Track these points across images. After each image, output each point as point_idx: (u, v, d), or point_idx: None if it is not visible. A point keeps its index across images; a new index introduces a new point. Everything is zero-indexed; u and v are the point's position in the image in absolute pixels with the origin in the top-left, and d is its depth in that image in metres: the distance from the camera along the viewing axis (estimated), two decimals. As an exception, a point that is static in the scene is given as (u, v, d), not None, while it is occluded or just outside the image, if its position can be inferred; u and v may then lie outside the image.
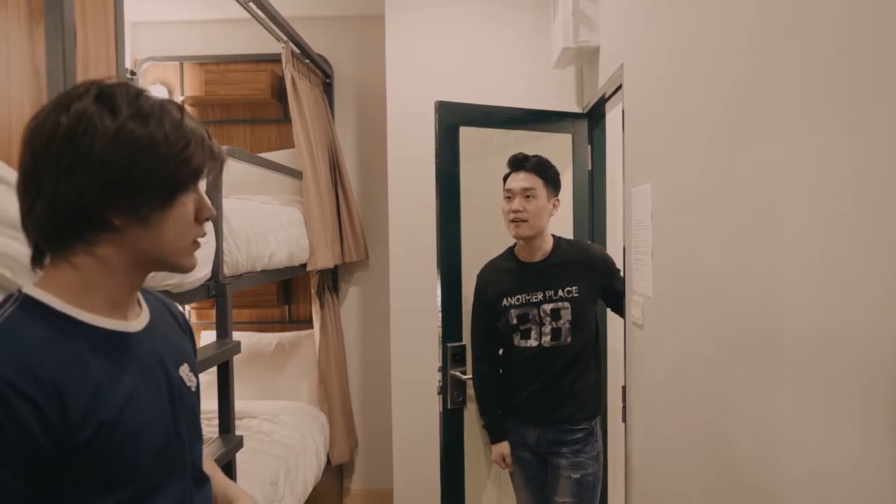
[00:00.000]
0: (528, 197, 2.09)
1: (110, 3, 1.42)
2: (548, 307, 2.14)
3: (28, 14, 1.22)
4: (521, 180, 2.11)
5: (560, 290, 2.14)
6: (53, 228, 0.78)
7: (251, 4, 2.57)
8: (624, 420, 2.22)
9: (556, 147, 2.86)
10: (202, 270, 1.83)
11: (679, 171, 1.52)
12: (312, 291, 3.39)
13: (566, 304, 2.13)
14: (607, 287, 2.21)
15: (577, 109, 3.05)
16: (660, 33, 1.69)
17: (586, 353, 2.18)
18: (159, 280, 1.60)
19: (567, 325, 2.13)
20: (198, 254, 1.73)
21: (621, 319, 2.40)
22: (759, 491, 1.09)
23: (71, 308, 0.80)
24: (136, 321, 0.90)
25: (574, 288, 2.13)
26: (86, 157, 0.75)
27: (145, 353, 0.89)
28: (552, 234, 2.22)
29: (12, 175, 1.06)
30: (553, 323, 2.14)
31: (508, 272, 2.20)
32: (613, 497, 2.90)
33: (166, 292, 1.62)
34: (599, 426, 2.25)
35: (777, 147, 1.01)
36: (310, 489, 2.94)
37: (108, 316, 0.84)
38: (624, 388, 2.22)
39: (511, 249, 2.25)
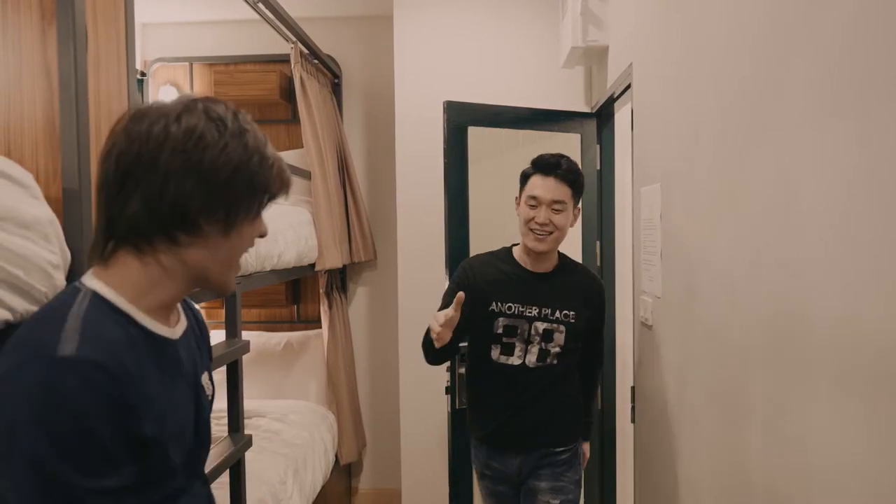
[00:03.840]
0: (556, 210, 1.80)
1: (121, 4, 1.43)
2: (541, 326, 1.85)
3: (40, 15, 1.23)
4: (550, 189, 1.81)
5: (557, 311, 1.86)
6: (148, 225, 0.81)
7: (260, 5, 2.58)
8: (633, 420, 2.21)
9: (565, 147, 2.85)
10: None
11: (689, 170, 1.52)
12: (321, 291, 3.40)
13: (561, 327, 1.85)
14: (591, 324, 1.94)
15: (585, 109, 3.04)
16: (669, 32, 1.68)
17: (571, 370, 1.94)
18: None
19: (557, 349, 1.86)
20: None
21: (630, 318, 2.39)
22: (771, 491, 1.08)
23: (130, 307, 0.82)
24: (178, 327, 0.92)
25: (572, 313, 1.86)
26: (197, 166, 0.81)
27: (183, 360, 0.91)
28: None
29: (25, 176, 1.07)
30: (543, 344, 1.86)
31: (505, 275, 1.90)
32: (622, 498, 2.89)
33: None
34: (580, 449, 2.00)
35: (789, 146, 1.01)
36: (318, 488, 2.95)
37: (156, 319, 0.86)
38: (633, 388, 2.21)
39: (509, 251, 1.96)
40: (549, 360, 1.87)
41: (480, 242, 2.56)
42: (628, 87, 2.19)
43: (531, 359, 1.87)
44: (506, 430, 1.89)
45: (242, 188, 0.84)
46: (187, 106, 0.84)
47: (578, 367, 1.96)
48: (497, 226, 2.51)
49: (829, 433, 0.89)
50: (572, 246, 2.87)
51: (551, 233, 1.82)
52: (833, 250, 0.87)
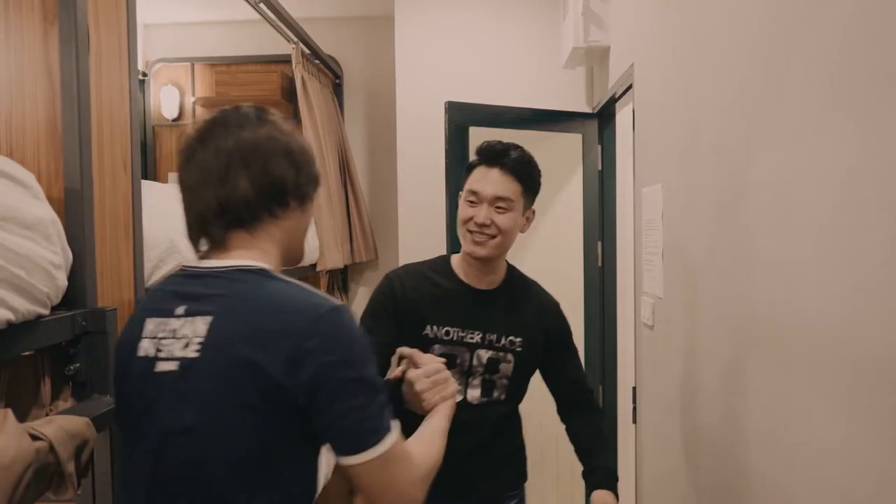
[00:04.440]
0: (499, 209, 1.46)
1: (123, 5, 1.43)
2: (485, 354, 1.50)
3: (42, 16, 1.23)
4: (493, 183, 1.47)
5: (503, 338, 1.51)
6: (257, 202, 0.93)
7: (261, 5, 2.58)
8: (634, 421, 2.21)
9: (566, 147, 2.86)
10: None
11: (690, 171, 1.52)
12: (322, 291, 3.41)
13: (509, 356, 1.51)
14: (550, 350, 1.57)
15: (587, 109, 3.04)
16: (670, 33, 1.68)
17: (517, 409, 1.62)
18: (171, 280, 1.61)
19: (504, 382, 1.53)
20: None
21: (631, 319, 2.39)
22: (772, 492, 1.08)
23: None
24: None
25: (519, 340, 1.51)
26: (286, 147, 0.96)
27: None
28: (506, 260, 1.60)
29: (27, 176, 1.07)
30: (487, 375, 1.52)
31: (442, 291, 1.52)
32: (624, 499, 2.89)
33: (178, 292, 1.63)
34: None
35: (789, 146, 1.00)
36: (319, 489, 2.95)
37: None
38: (634, 389, 2.21)
39: (447, 262, 1.58)
40: (495, 395, 1.53)
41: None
42: (630, 87, 2.19)
43: (474, 394, 1.51)
44: (448, 479, 1.31)
45: (311, 169, 1.00)
46: (261, 112, 1.00)
47: (567, 423, 1.65)
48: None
49: (831, 434, 0.89)
50: (573, 247, 2.88)
51: (493, 236, 1.46)
52: (834, 251, 0.87)
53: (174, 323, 0.90)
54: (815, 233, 0.93)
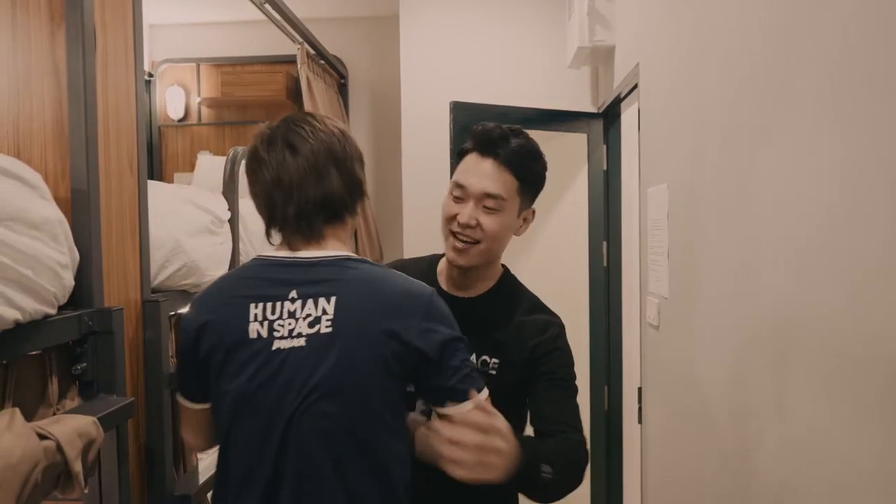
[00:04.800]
0: (488, 208, 1.21)
1: (129, 5, 1.44)
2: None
3: (49, 17, 1.23)
4: (484, 176, 1.21)
5: (478, 356, 1.23)
6: (349, 198, 1.09)
7: (267, 6, 2.58)
8: (640, 421, 2.21)
9: (572, 147, 2.85)
10: (219, 270, 1.84)
11: (696, 170, 1.51)
12: (327, 291, 3.41)
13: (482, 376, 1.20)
14: (533, 384, 1.23)
15: (592, 109, 3.03)
16: (676, 32, 1.68)
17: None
18: (178, 279, 1.61)
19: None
20: (213, 254, 1.75)
21: (636, 319, 2.38)
22: (778, 493, 1.07)
23: None
24: None
25: (494, 360, 1.23)
26: (357, 153, 1.12)
27: None
28: (502, 264, 1.35)
29: (34, 177, 1.07)
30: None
31: None
32: (629, 499, 2.88)
33: (184, 291, 1.63)
34: None
35: (795, 145, 1.00)
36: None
37: None
38: (639, 389, 2.20)
39: (433, 264, 1.38)
40: None
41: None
42: (635, 87, 2.18)
43: None
44: None
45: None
46: (324, 122, 1.10)
47: None
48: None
49: (838, 435, 0.88)
50: (578, 247, 2.87)
51: (477, 242, 1.22)
52: (840, 250, 0.87)
53: (289, 305, 1.02)
54: (820, 232, 0.92)
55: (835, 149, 0.89)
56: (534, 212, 1.31)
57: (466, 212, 1.21)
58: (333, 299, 1.01)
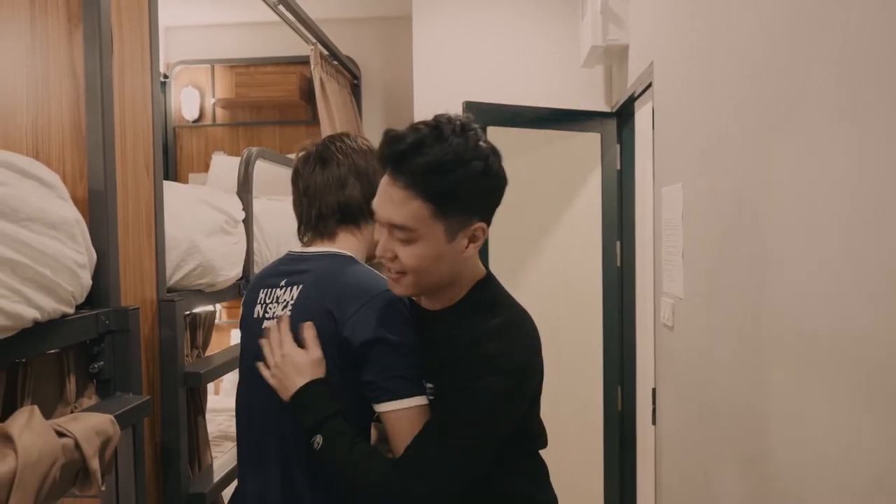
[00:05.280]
0: (401, 240, 1.01)
1: (145, 8, 1.45)
2: None
3: (67, 19, 1.25)
4: (389, 201, 1.00)
5: (426, 378, 1.08)
6: (364, 206, 1.18)
7: (280, 7, 2.60)
8: (654, 422, 2.20)
9: (585, 147, 2.84)
10: (233, 270, 1.85)
11: (711, 170, 1.50)
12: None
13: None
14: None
15: (605, 108, 3.02)
16: (691, 31, 1.66)
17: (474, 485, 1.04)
18: (193, 279, 1.62)
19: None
20: (228, 254, 1.76)
21: (650, 319, 2.37)
22: (794, 497, 1.06)
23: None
24: None
25: (430, 386, 1.07)
26: (374, 167, 1.21)
27: None
28: (488, 270, 1.13)
29: (53, 177, 1.09)
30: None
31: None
32: (644, 500, 2.87)
33: (199, 290, 1.64)
34: None
35: (812, 144, 0.99)
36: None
37: None
38: (654, 390, 2.19)
39: None
40: None
41: (498, 244, 2.56)
42: (649, 86, 2.17)
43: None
44: None
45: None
46: (356, 136, 1.30)
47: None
48: (516, 228, 2.50)
49: (853, 438, 0.87)
50: (591, 247, 2.86)
51: (404, 273, 1.03)
52: (857, 250, 0.86)
53: (278, 292, 1.19)
54: (837, 232, 0.91)
55: (852, 148, 0.88)
56: (484, 228, 1.04)
57: (381, 243, 1.03)
58: (300, 287, 1.16)
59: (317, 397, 1.06)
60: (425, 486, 0.99)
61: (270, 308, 1.19)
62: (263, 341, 1.13)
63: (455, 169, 0.96)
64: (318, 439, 1.04)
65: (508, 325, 1.05)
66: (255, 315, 1.21)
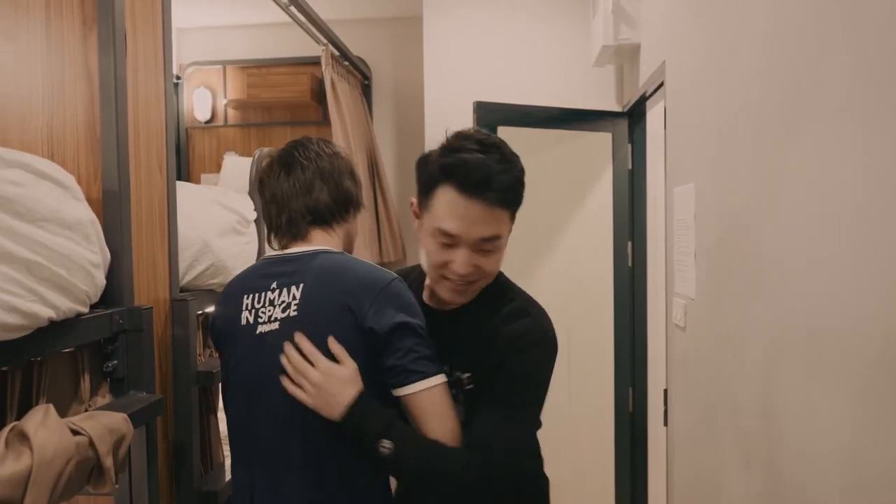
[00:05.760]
0: (485, 251, 1.12)
1: (159, 10, 1.46)
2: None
3: (82, 21, 1.26)
4: (477, 223, 1.09)
5: (453, 373, 1.16)
6: (334, 208, 1.23)
7: (292, 8, 2.61)
8: (665, 424, 2.19)
9: (596, 146, 2.83)
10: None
11: (724, 169, 1.49)
12: (351, 291, 3.43)
13: (460, 397, 1.16)
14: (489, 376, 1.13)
15: (617, 108, 3.01)
16: (703, 29, 1.65)
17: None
18: (206, 278, 1.63)
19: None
20: (240, 254, 1.77)
21: (662, 319, 2.36)
22: (808, 496, 1.05)
23: None
24: None
25: (467, 376, 1.16)
26: (348, 169, 1.28)
27: None
28: None
29: (68, 178, 1.10)
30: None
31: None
32: (654, 501, 2.85)
33: (211, 290, 1.65)
34: None
35: (826, 144, 0.98)
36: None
37: None
38: (665, 391, 2.18)
39: (421, 276, 1.27)
40: None
41: (510, 243, 2.55)
42: (661, 85, 2.16)
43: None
44: None
45: (359, 185, 1.31)
46: (319, 139, 1.30)
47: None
48: (526, 226, 2.49)
49: (867, 441, 0.86)
50: (602, 247, 2.85)
51: (477, 281, 1.14)
52: (873, 251, 0.85)
53: (270, 294, 1.15)
54: (852, 233, 0.90)
55: (867, 147, 0.87)
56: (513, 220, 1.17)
57: (462, 260, 1.09)
58: (301, 286, 1.13)
59: (371, 404, 1.07)
60: (503, 454, 1.08)
61: (264, 312, 1.15)
62: (290, 360, 1.08)
63: (523, 178, 1.15)
64: (387, 444, 1.03)
65: (529, 303, 1.20)
66: (244, 322, 1.16)
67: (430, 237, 1.12)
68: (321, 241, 1.22)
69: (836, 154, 0.96)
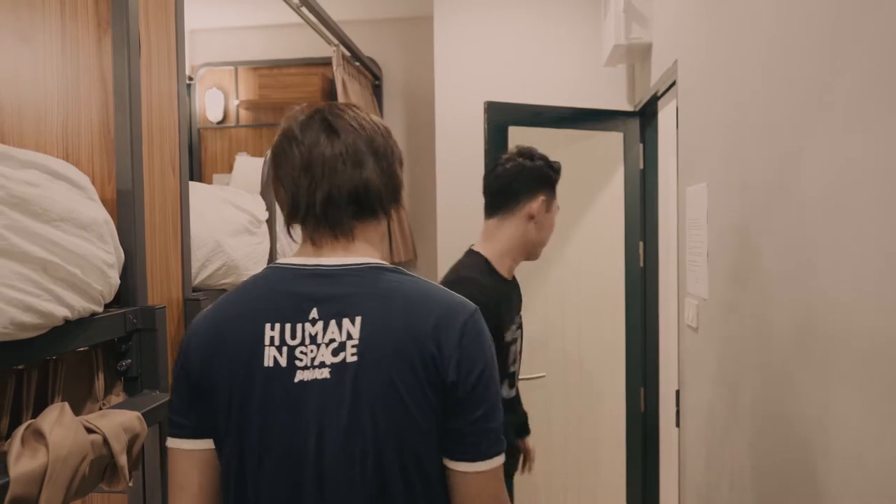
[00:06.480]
0: None
1: (171, 12, 1.47)
2: (519, 337, 1.71)
3: (96, 24, 1.27)
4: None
5: (520, 315, 1.73)
6: (386, 192, 0.94)
7: (303, 9, 2.62)
8: (677, 424, 2.17)
9: (607, 146, 2.82)
10: (257, 270, 1.88)
11: (737, 169, 1.48)
12: (362, 291, 3.43)
13: (520, 331, 1.73)
14: None
15: (628, 107, 2.99)
16: (715, 28, 1.64)
17: None
18: (218, 278, 1.64)
19: (519, 363, 1.75)
20: (252, 254, 1.78)
21: (674, 320, 2.34)
22: (824, 499, 1.04)
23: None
24: None
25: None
26: (401, 159, 1.01)
27: None
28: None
29: (83, 178, 1.11)
30: (520, 359, 1.74)
31: (503, 293, 1.61)
32: (665, 502, 2.84)
33: (223, 290, 1.66)
34: None
35: (841, 144, 0.97)
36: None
37: None
38: (677, 391, 2.17)
39: (485, 262, 1.63)
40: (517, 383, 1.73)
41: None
42: (673, 84, 2.15)
43: (513, 391, 1.71)
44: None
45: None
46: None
47: None
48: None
49: (883, 441, 0.85)
50: (614, 247, 2.84)
51: None
52: (890, 252, 0.84)
53: (309, 328, 0.85)
54: (871, 232, 0.89)
55: (886, 142, 0.86)
56: None
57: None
58: (359, 320, 0.85)
59: None
60: None
61: (304, 353, 0.85)
62: None
63: None
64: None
65: None
66: (270, 363, 0.85)
67: (553, 214, 1.68)
68: (367, 247, 0.93)
69: (854, 149, 0.95)
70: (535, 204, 1.61)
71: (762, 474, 1.32)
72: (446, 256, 3.16)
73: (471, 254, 1.64)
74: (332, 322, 0.85)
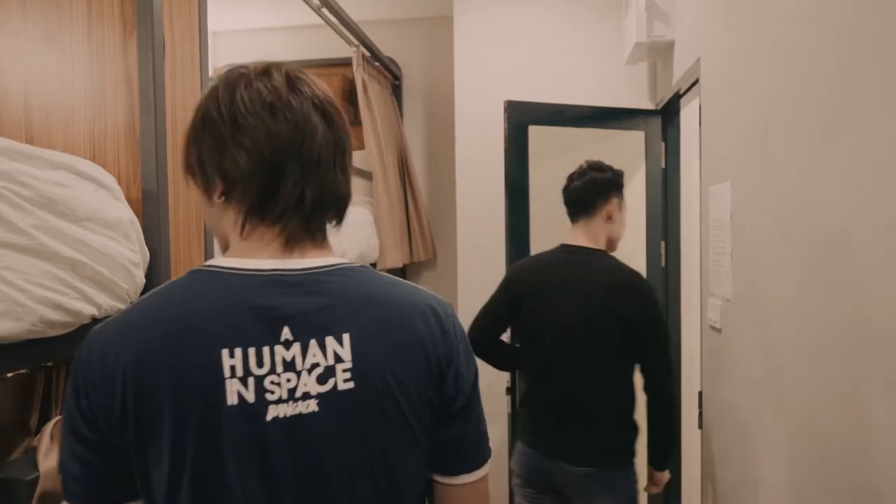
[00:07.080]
0: None
1: (195, 14, 1.49)
2: None
3: (122, 26, 1.29)
4: None
5: None
6: (348, 196, 0.80)
7: (324, 10, 2.63)
8: (700, 426, 2.15)
9: (629, 145, 2.80)
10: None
11: (762, 167, 1.46)
12: (382, 290, 3.44)
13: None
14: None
15: (650, 106, 2.97)
16: (739, 24, 1.62)
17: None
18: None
19: None
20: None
21: (696, 320, 2.32)
22: (849, 501, 1.02)
23: None
24: None
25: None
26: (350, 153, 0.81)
27: None
28: None
29: (109, 179, 1.13)
30: None
31: None
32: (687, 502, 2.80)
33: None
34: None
35: (868, 142, 0.95)
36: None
37: None
38: (700, 393, 2.14)
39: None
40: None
41: (541, 242, 2.54)
42: (695, 82, 2.12)
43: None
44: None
45: None
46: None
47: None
48: (558, 225, 2.47)
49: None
50: (635, 247, 2.81)
51: None
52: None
53: (282, 352, 0.67)
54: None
55: (916, 143, 0.84)
56: None
57: None
58: (347, 338, 0.69)
59: None
60: None
61: (276, 383, 0.67)
62: None
63: None
64: None
65: None
66: (233, 402, 0.65)
67: (624, 221, 2.02)
68: (330, 248, 0.77)
69: (879, 151, 0.93)
70: (611, 206, 1.96)
71: (791, 480, 1.30)
72: (466, 256, 3.16)
73: (595, 252, 1.98)
74: (313, 342, 0.68)
